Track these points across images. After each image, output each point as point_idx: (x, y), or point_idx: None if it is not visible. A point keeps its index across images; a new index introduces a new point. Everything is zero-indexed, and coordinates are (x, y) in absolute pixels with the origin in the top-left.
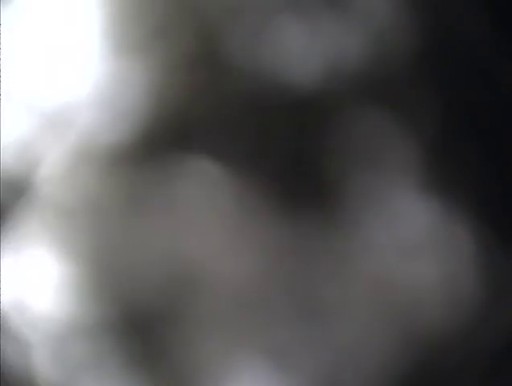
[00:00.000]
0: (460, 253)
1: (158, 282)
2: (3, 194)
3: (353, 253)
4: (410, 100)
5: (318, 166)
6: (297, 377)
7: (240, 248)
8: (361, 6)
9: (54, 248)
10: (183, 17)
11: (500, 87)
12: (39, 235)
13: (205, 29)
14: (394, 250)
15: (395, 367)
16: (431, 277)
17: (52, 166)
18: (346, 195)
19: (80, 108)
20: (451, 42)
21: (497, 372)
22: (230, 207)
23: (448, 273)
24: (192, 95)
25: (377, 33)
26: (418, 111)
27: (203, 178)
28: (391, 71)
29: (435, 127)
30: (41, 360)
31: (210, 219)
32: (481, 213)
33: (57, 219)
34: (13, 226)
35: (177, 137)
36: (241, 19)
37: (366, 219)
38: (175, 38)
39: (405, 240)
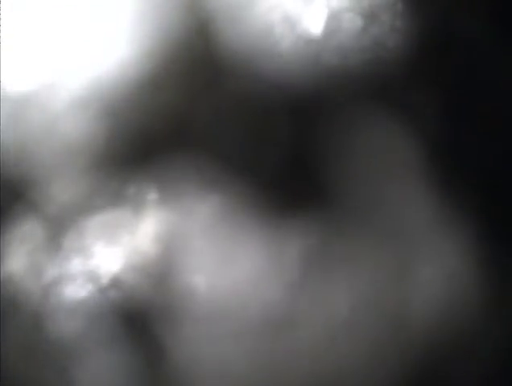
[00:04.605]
0: (461, 253)
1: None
2: (3, 194)
3: (353, 254)
4: (411, 100)
5: (318, 167)
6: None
7: (238, 249)
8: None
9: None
10: (182, 16)
11: (501, 85)
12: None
13: (205, 28)
14: (394, 250)
15: (394, 370)
16: (432, 277)
17: (51, 165)
18: (346, 196)
19: (80, 107)
20: (451, 41)
21: (499, 375)
22: (228, 207)
23: (448, 272)
24: (190, 95)
25: (376, 32)
26: (419, 111)
27: (200, 178)
28: (391, 70)
29: (437, 127)
30: None
31: (207, 219)
32: (482, 213)
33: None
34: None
35: (175, 136)
36: (241, 18)
37: (366, 219)
38: (174, 37)
39: (405, 239)
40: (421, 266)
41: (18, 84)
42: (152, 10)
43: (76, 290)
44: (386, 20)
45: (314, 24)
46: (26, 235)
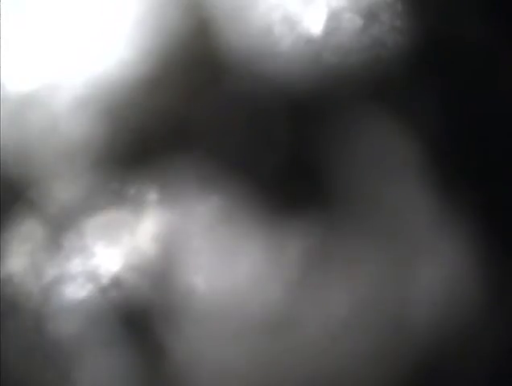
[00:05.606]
0: (461, 253)
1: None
2: (3, 194)
3: (353, 254)
4: (411, 100)
5: (318, 167)
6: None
7: (238, 249)
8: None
9: None
10: (182, 16)
11: (501, 85)
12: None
13: (205, 28)
14: (394, 250)
15: (394, 370)
16: (432, 277)
17: (51, 165)
18: (346, 196)
19: (80, 107)
20: (451, 41)
21: (499, 375)
22: (228, 207)
23: (447, 273)
24: (190, 95)
25: (376, 32)
26: (419, 111)
27: (200, 178)
28: (391, 70)
29: (437, 127)
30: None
31: (207, 219)
32: (482, 213)
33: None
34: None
35: (175, 136)
36: (241, 18)
37: (366, 219)
38: (174, 37)
39: (405, 240)
40: (421, 266)
41: (18, 84)
42: (152, 10)
43: (76, 290)
44: (385, 20)
45: (314, 24)
46: (26, 235)
